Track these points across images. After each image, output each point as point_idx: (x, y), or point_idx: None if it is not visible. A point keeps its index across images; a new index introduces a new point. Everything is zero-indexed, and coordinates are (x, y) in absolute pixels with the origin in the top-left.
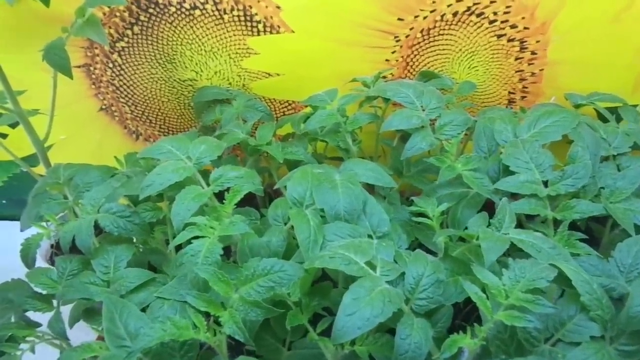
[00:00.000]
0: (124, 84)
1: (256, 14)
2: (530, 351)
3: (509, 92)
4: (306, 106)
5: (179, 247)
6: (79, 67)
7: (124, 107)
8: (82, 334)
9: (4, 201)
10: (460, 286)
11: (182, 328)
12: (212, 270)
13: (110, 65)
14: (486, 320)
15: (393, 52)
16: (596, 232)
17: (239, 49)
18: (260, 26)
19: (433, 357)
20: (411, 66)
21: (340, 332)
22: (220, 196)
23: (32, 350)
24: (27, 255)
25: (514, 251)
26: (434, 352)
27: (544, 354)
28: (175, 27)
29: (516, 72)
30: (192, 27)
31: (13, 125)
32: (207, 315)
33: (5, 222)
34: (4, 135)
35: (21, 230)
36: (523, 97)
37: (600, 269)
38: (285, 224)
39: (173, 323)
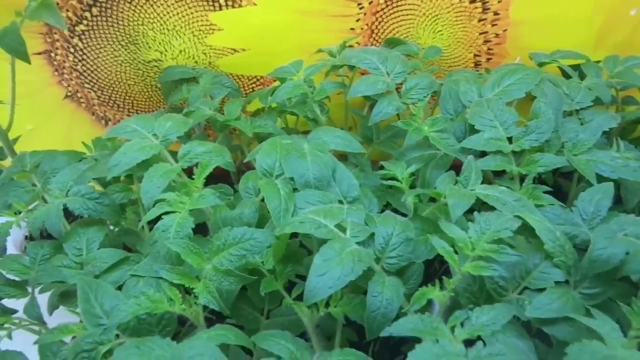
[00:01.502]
0: (88, 68)
1: None
2: (499, 301)
3: (475, 55)
4: (275, 81)
5: (152, 227)
6: (39, 54)
7: (90, 92)
8: (62, 321)
9: None
10: (430, 244)
11: (156, 301)
12: (184, 243)
13: (72, 50)
14: (454, 273)
15: (357, 20)
16: (564, 188)
17: (202, 25)
18: (222, 0)
19: (403, 310)
20: (376, 34)
21: (312, 292)
22: (190, 174)
23: (9, 336)
24: None
25: (482, 207)
26: (406, 308)
27: (512, 302)
28: (135, 7)
29: (480, 34)
30: (152, 5)
31: None
32: (185, 291)
33: None
34: None
35: None
36: (488, 59)
37: (564, 218)
38: (257, 195)
39: (147, 297)
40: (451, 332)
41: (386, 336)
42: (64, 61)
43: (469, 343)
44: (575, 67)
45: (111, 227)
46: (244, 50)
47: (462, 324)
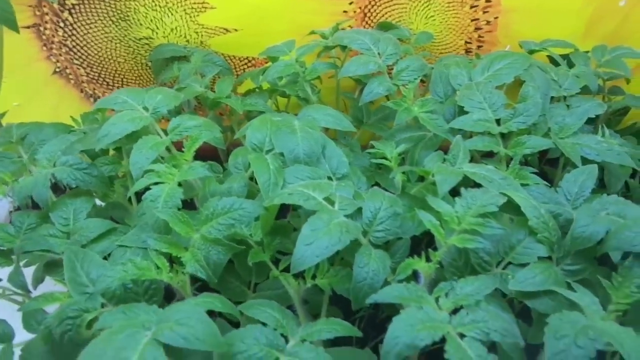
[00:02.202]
0: (77, 44)
1: None
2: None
3: (466, 42)
4: (267, 62)
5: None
6: (27, 27)
7: (79, 69)
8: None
9: None
10: (418, 220)
11: (143, 269)
12: (172, 212)
13: (62, 24)
14: (440, 246)
15: (350, 3)
16: (550, 174)
17: (194, 3)
18: None
19: (388, 279)
20: (369, 17)
21: (300, 261)
22: (179, 149)
23: None
24: None
25: (468, 186)
26: (391, 279)
27: (496, 276)
28: None
29: (472, 20)
30: None
31: None
32: (170, 261)
33: None
34: None
35: None
36: (479, 47)
37: (548, 197)
38: (246, 171)
39: (134, 264)
40: (436, 301)
41: (372, 314)
42: (53, 36)
43: (453, 312)
44: (564, 57)
45: (99, 202)
46: (236, 30)
47: (446, 295)
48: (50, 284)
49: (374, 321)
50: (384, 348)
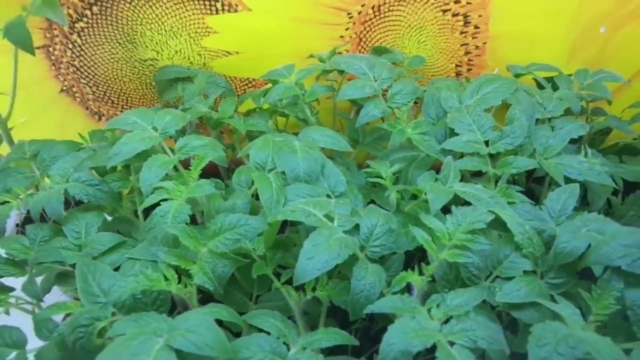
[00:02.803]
0: (85, 64)
1: None
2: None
3: (456, 65)
4: (266, 83)
5: (146, 216)
6: (38, 48)
7: (85, 88)
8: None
9: None
10: (411, 236)
11: (154, 280)
12: (181, 227)
13: (70, 46)
14: (432, 260)
15: (347, 29)
16: (536, 192)
17: (198, 28)
18: (219, 5)
19: (384, 292)
20: (364, 42)
21: (302, 273)
22: (185, 167)
23: (7, 312)
24: None
25: (458, 204)
26: (386, 291)
27: (484, 289)
28: (135, 7)
29: (461, 45)
30: (151, 6)
31: None
32: (178, 274)
33: None
34: None
35: None
36: (469, 70)
37: (533, 214)
38: (249, 188)
39: (145, 275)
40: (428, 312)
41: (366, 326)
42: (62, 56)
43: (444, 322)
44: (549, 79)
45: (107, 216)
46: (237, 53)
47: (437, 306)
48: (56, 294)
49: (369, 333)
50: (380, 354)
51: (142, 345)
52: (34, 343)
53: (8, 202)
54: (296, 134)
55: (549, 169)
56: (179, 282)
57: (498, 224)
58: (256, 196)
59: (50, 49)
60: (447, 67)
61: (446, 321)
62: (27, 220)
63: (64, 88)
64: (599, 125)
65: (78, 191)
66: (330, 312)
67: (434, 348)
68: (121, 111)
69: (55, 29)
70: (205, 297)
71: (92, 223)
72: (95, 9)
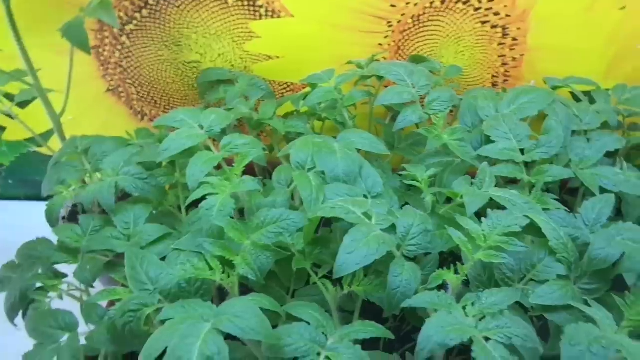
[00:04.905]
0: (132, 65)
1: None
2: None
3: (492, 76)
4: (304, 87)
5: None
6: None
7: (131, 88)
8: None
9: (10, 181)
10: (446, 237)
11: (200, 269)
12: (227, 220)
13: (119, 47)
14: (467, 260)
15: (386, 37)
16: (570, 203)
17: (241, 32)
18: (262, 10)
19: (421, 287)
20: (402, 50)
21: (342, 267)
22: (228, 164)
23: (61, 297)
24: (52, 215)
25: (492, 209)
26: (421, 292)
27: (518, 290)
28: (182, 11)
29: (499, 57)
30: (198, 10)
31: (22, 105)
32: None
33: (11, 202)
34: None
35: (43, 195)
36: (505, 81)
37: (568, 221)
38: (289, 186)
39: (192, 265)
40: (463, 309)
41: (397, 326)
42: (110, 57)
43: (478, 320)
44: (586, 94)
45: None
46: (278, 57)
47: (472, 304)
48: (98, 286)
49: (399, 333)
50: (418, 345)
51: (191, 328)
52: (81, 327)
53: (61, 193)
54: (333, 137)
55: (585, 179)
56: (223, 272)
57: (532, 229)
58: (293, 196)
59: (100, 50)
60: (483, 77)
61: (481, 319)
62: (72, 214)
63: (110, 88)
64: (635, 140)
65: (128, 184)
66: (362, 313)
67: (465, 349)
68: (164, 111)
69: (105, 31)
70: (243, 290)
71: (140, 215)
72: (144, 12)
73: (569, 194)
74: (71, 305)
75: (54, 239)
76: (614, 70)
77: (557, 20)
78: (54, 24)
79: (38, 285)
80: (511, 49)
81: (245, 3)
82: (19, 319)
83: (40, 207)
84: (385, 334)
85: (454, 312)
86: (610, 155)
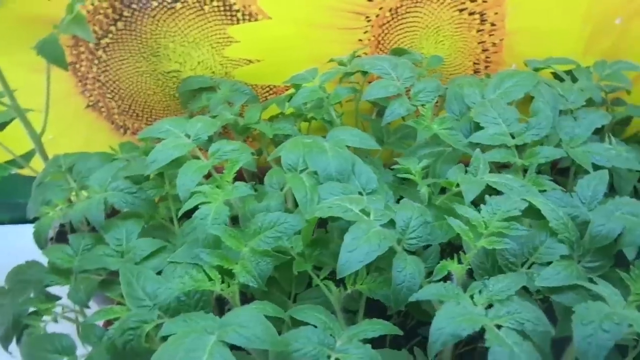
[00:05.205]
0: (110, 79)
1: (235, 3)
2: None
3: (474, 63)
4: (287, 89)
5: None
6: None
7: (111, 102)
8: None
9: None
10: (445, 227)
11: (199, 281)
12: (223, 228)
13: (96, 62)
14: (469, 249)
15: (365, 32)
16: (562, 184)
17: (220, 38)
18: (239, 15)
19: (425, 280)
20: (382, 44)
21: (345, 266)
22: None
23: (55, 320)
24: (40, 237)
25: (490, 194)
26: (425, 285)
27: (523, 274)
28: (158, 21)
29: (479, 43)
30: (174, 19)
31: (0, 127)
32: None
33: None
34: None
35: (28, 217)
36: (486, 67)
37: (565, 201)
38: (282, 189)
39: (190, 276)
40: (470, 299)
41: (401, 321)
42: (88, 72)
43: (487, 308)
44: (567, 72)
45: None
46: (258, 61)
47: (479, 292)
48: (93, 306)
49: (404, 328)
50: (430, 338)
51: (196, 342)
52: (79, 350)
53: (48, 213)
54: (322, 137)
55: (577, 157)
56: (222, 282)
57: (531, 211)
58: (286, 199)
59: (77, 66)
60: (465, 65)
61: (489, 307)
62: (60, 234)
63: (90, 103)
64: (619, 115)
65: (117, 199)
66: (365, 311)
67: (473, 339)
68: (146, 124)
69: (81, 46)
70: (243, 299)
71: (132, 230)
72: (120, 24)
73: (560, 174)
74: (67, 328)
75: (44, 261)
76: (592, 48)
77: (533, 2)
78: (28, 42)
79: (31, 309)
80: (490, 35)
81: (222, 8)
82: (13, 346)
83: (26, 229)
84: (393, 330)
85: (462, 302)
86: (597, 132)
